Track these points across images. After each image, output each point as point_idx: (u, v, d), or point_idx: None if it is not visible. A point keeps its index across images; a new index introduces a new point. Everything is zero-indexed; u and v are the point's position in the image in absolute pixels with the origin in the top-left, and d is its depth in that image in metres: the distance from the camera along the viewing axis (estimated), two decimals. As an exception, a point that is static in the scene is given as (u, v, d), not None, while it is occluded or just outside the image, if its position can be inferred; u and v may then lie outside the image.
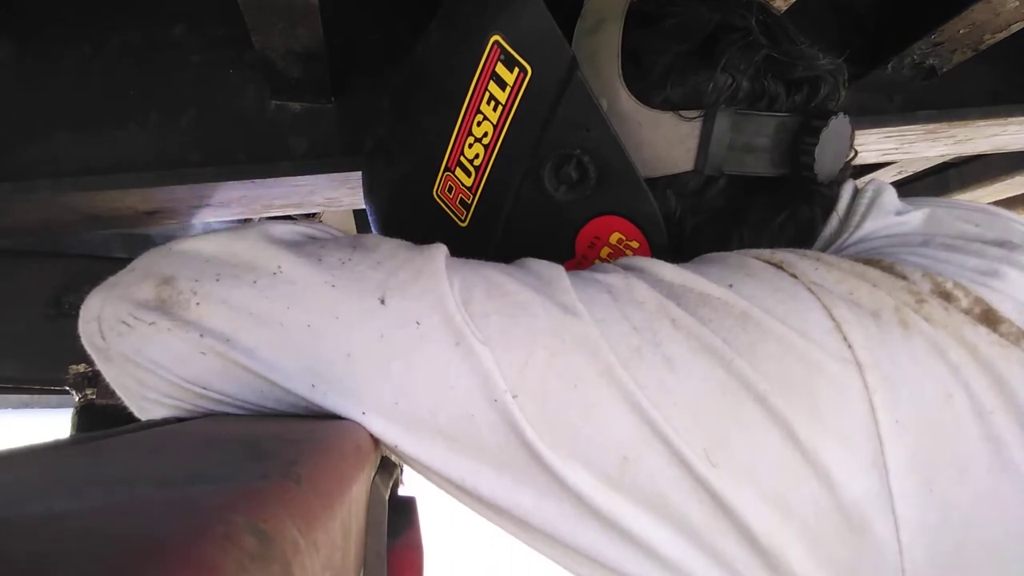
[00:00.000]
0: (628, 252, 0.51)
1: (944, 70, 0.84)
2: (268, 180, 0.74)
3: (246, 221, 0.91)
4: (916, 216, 0.48)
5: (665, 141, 0.49)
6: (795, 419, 0.35)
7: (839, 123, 0.49)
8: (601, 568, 0.37)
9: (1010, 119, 0.87)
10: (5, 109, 0.71)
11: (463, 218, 0.54)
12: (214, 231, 0.43)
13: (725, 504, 0.34)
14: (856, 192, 0.53)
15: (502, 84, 0.49)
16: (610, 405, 0.36)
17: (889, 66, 0.83)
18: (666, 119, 0.49)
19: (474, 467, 0.37)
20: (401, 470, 0.45)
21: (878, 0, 0.84)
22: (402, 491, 0.46)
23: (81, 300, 0.42)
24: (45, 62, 0.72)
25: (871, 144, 0.91)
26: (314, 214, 0.98)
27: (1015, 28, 0.75)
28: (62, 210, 0.77)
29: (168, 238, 0.44)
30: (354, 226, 1.21)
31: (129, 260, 0.43)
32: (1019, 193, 1.29)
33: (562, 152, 0.49)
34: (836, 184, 0.52)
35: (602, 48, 0.50)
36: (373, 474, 0.36)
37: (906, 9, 0.80)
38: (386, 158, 0.61)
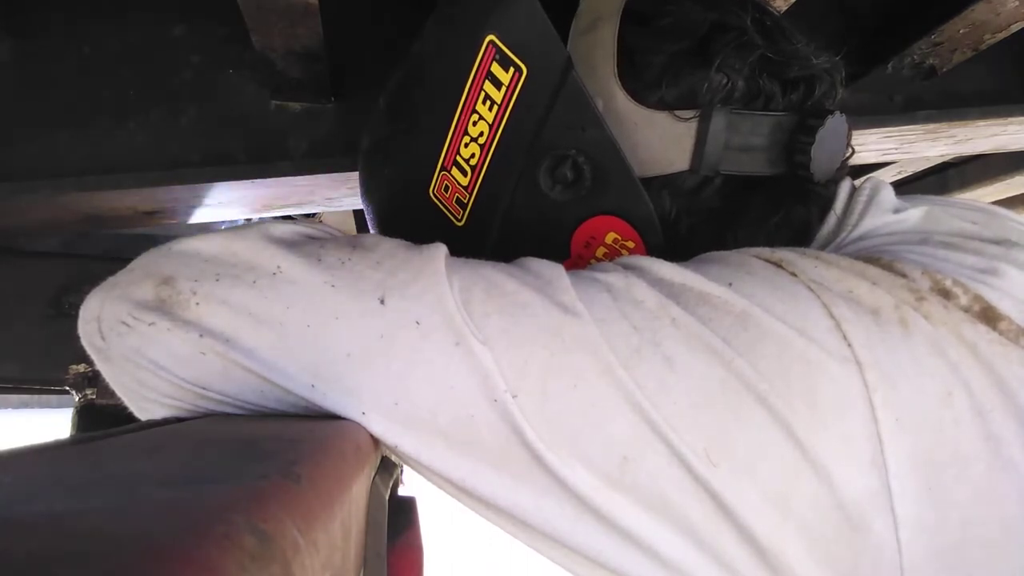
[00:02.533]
0: (624, 252, 0.50)
1: (944, 70, 0.84)
2: (268, 180, 0.74)
3: (246, 221, 0.91)
4: (914, 214, 0.48)
5: (661, 141, 0.49)
6: (795, 418, 0.35)
7: (835, 122, 0.49)
8: (601, 568, 0.37)
9: (1010, 119, 0.87)
10: (5, 109, 0.71)
11: (460, 218, 0.54)
12: (214, 231, 0.43)
13: (725, 504, 0.34)
14: (853, 190, 0.53)
15: (497, 84, 0.49)
16: (610, 405, 0.36)
17: (889, 66, 0.83)
18: (661, 119, 0.49)
19: (474, 467, 0.37)
20: (401, 470, 0.45)
21: (878, 0, 0.84)
22: (402, 491, 0.46)
23: (81, 300, 0.42)
24: (45, 62, 0.72)
25: (871, 144, 0.91)
26: (314, 214, 0.98)
27: (1015, 28, 0.75)
28: (62, 210, 0.77)
29: (168, 238, 0.44)
30: (354, 226, 1.21)
31: (129, 260, 0.43)
32: (1019, 193, 1.29)
33: (557, 152, 0.49)
34: (833, 183, 0.52)
35: (598, 47, 0.50)
36: (373, 474, 0.36)
37: (906, 9, 0.80)
38: (382, 157, 0.61)
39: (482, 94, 0.50)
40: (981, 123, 0.88)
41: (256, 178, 0.74)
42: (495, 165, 0.51)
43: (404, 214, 0.59)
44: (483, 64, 0.49)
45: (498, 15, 0.48)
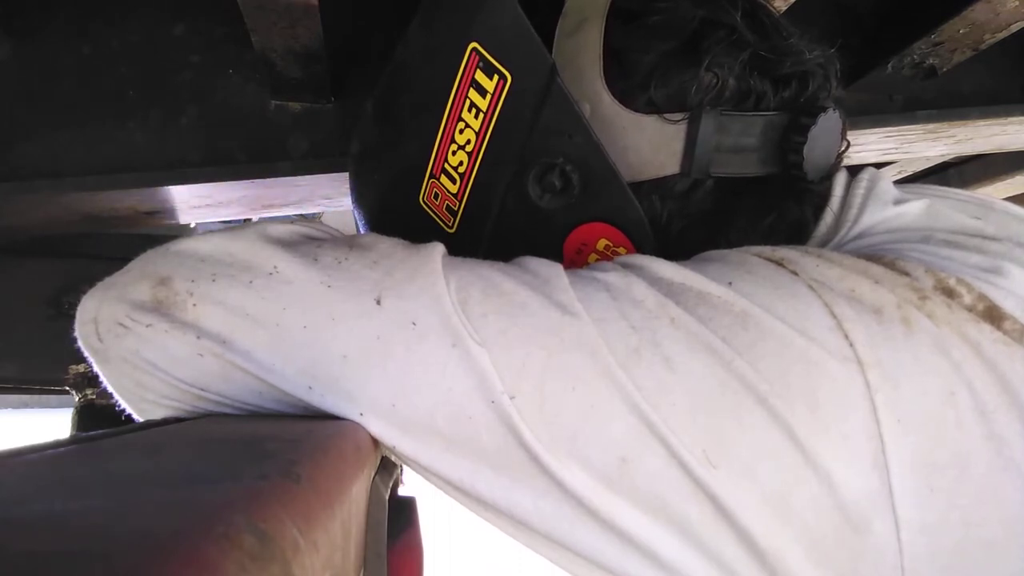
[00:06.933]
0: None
1: (944, 70, 0.84)
2: (268, 180, 0.74)
3: (246, 221, 0.91)
4: (915, 207, 0.48)
5: (650, 145, 0.49)
6: (795, 419, 0.35)
7: (828, 119, 0.48)
8: (600, 569, 0.37)
9: (1010, 119, 0.87)
10: (5, 109, 0.71)
11: (450, 225, 0.54)
12: (212, 231, 0.43)
13: (724, 506, 0.34)
14: (850, 183, 0.52)
15: (482, 91, 0.48)
16: (608, 406, 0.36)
17: (889, 66, 0.83)
18: (650, 122, 0.48)
19: (472, 468, 0.37)
20: (401, 470, 0.45)
21: (878, 0, 0.84)
22: (402, 491, 0.46)
23: (81, 301, 0.42)
24: (45, 62, 0.72)
25: (871, 144, 0.91)
26: (314, 214, 0.98)
27: (1015, 28, 0.74)
28: (62, 210, 0.77)
29: (168, 238, 0.44)
30: (354, 226, 1.21)
31: (129, 260, 0.43)
32: (1019, 193, 1.29)
33: (545, 161, 0.48)
34: (827, 178, 0.51)
35: (584, 50, 0.49)
36: (373, 474, 0.36)
37: (906, 9, 0.80)
38: (372, 164, 0.60)
39: (467, 102, 0.49)
40: (981, 123, 0.88)
41: (256, 178, 0.74)
42: (483, 173, 0.50)
43: (395, 221, 0.58)
44: (467, 72, 0.49)
45: (480, 22, 0.47)
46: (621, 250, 0.50)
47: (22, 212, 0.77)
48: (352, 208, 0.64)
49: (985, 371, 0.36)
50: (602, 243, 0.50)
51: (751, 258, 0.42)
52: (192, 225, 0.98)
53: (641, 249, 0.49)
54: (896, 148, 0.95)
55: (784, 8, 0.72)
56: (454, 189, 0.52)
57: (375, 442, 0.38)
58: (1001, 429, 0.35)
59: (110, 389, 0.43)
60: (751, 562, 0.35)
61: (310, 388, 0.38)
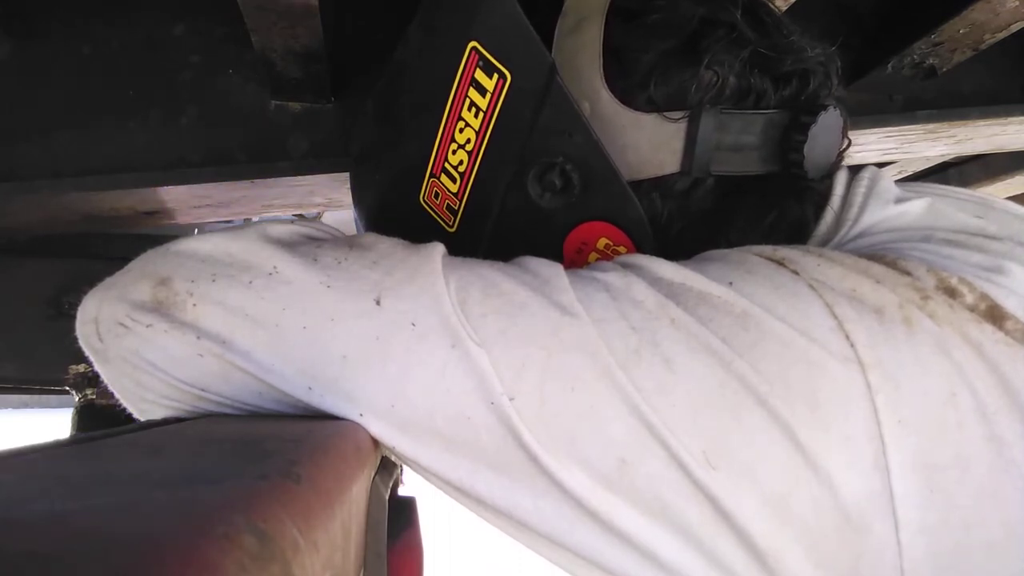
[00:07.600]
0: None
1: (944, 70, 0.84)
2: (268, 180, 0.74)
3: (246, 221, 0.91)
4: (916, 206, 0.48)
5: (650, 143, 0.48)
6: (795, 420, 0.35)
7: (829, 117, 0.48)
8: (599, 570, 0.37)
9: (1010, 119, 0.87)
10: (5, 109, 0.71)
11: (451, 224, 0.54)
12: (212, 231, 0.43)
13: (723, 507, 0.34)
14: (851, 181, 0.52)
15: (482, 91, 0.48)
16: (608, 407, 0.36)
17: (889, 66, 0.83)
18: (650, 121, 0.48)
19: (472, 468, 0.37)
20: (401, 470, 0.45)
21: (878, 0, 0.84)
22: (402, 491, 0.46)
23: (81, 301, 0.42)
24: (45, 62, 0.72)
25: (871, 144, 0.91)
26: (314, 214, 0.98)
27: (1015, 28, 0.74)
28: (62, 210, 0.77)
29: (168, 238, 0.44)
30: (355, 227, 1.21)
31: (129, 260, 0.43)
32: (1019, 193, 1.29)
33: (545, 160, 0.48)
34: (828, 176, 0.51)
35: (583, 48, 0.49)
36: (373, 474, 0.36)
37: (906, 9, 0.80)
38: (372, 163, 0.60)
39: (467, 101, 0.49)
40: (981, 123, 0.88)
41: (256, 178, 0.74)
42: (483, 172, 0.50)
43: (395, 220, 0.58)
44: (467, 71, 0.49)
45: (480, 22, 0.47)
46: (621, 249, 0.50)
47: (22, 212, 0.77)
48: (353, 208, 0.64)
49: (987, 372, 0.36)
50: (602, 242, 0.50)
51: (752, 258, 0.42)
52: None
53: (641, 248, 0.49)
54: (896, 148, 0.95)
55: (784, 8, 0.72)
56: (454, 188, 0.52)
57: (375, 442, 0.38)
58: (1002, 430, 0.35)
59: (111, 389, 0.43)
60: (751, 563, 0.35)
61: (310, 388, 0.38)
